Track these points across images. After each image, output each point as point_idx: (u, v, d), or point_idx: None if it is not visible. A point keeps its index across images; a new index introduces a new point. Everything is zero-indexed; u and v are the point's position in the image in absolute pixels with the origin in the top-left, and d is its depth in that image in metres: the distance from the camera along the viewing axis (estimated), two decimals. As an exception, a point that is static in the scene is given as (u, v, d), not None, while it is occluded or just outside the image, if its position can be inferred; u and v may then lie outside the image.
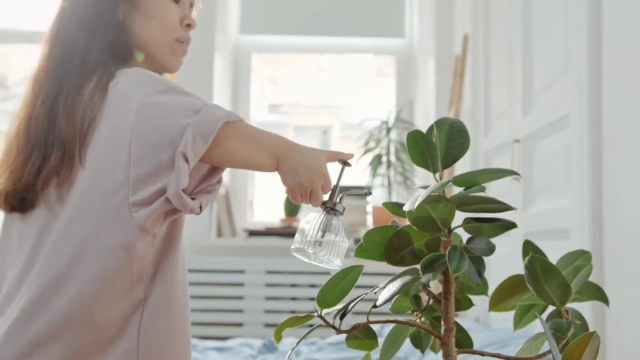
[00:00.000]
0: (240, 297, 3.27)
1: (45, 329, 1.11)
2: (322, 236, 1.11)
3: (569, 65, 2.01)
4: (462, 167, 3.10)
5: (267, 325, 3.27)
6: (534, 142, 2.36)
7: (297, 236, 1.13)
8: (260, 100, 7.97)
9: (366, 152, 3.64)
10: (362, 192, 1.20)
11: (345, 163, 1.19)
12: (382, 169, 3.63)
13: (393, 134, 3.66)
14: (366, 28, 3.92)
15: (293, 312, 3.27)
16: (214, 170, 1.18)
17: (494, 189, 2.77)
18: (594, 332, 1.05)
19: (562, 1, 2.09)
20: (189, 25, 1.33)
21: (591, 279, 1.73)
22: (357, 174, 3.69)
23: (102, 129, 1.13)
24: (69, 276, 1.12)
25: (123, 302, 1.14)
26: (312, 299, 3.22)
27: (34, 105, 1.19)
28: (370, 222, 3.63)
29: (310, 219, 1.13)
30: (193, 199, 1.11)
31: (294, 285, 3.29)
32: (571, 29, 1.98)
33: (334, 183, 1.20)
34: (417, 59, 3.85)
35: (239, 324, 3.27)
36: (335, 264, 1.13)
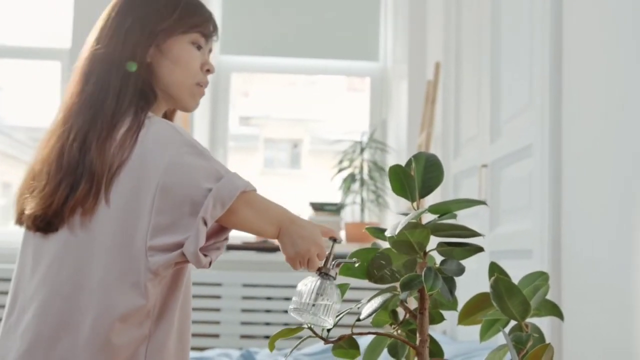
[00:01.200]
0: (217, 309, 3.38)
1: (70, 349, 1.21)
2: (317, 299, 1.23)
3: (532, 99, 2.16)
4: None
5: (243, 336, 3.38)
6: (500, 168, 2.51)
7: (294, 297, 1.25)
8: (231, 112, 8.05)
9: (340, 170, 3.79)
10: (352, 262, 1.33)
11: (334, 239, 1.32)
12: (355, 187, 3.78)
13: (366, 154, 3.82)
14: (342, 51, 4.08)
15: (268, 324, 3.40)
16: (223, 228, 1.30)
17: (463, 211, 2.93)
18: (549, 343, 1.21)
19: (528, 39, 2.25)
20: (208, 71, 1.44)
21: (549, 296, 1.90)
22: (331, 192, 3.84)
23: (130, 174, 1.23)
24: (88, 302, 1.22)
25: (134, 334, 1.25)
26: (286, 311, 3.36)
27: (66, 137, 1.28)
28: (343, 237, 3.77)
29: (307, 282, 1.26)
30: (205, 255, 1.23)
31: (269, 298, 3.41)
32: (535, 66, 2.14)
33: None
34: (391, 82, 4.01)
35: (216, 335, 3.38)
36: (329, 323, 1.25)
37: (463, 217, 2.90)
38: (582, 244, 1.84)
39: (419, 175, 1.34)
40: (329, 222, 3.76)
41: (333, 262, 1.29)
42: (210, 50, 1.48)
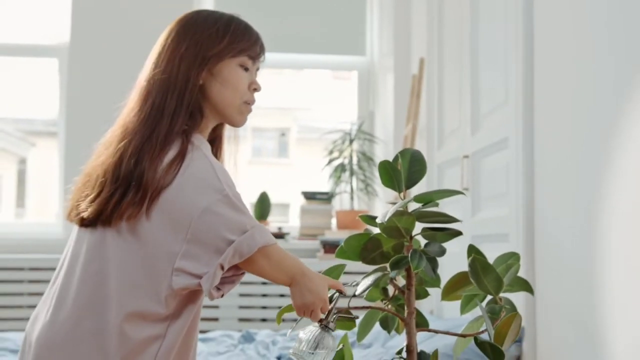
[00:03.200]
0: (216, 294, 3.57)
1: (94, 329, 1.39)
2: (315, 348, 1.40)
3: (508, 96, 2.35)
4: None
5: (241, 319, 3.58)
6: (480, 159, 2.69)
7: (296, 343, 1.43)
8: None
9: (330, 161, 3.98)
10: (352, 317, 1.49)
11: (341, 293, 1.48)
12: (345, 177, 3.96)
13: (355, 145, 4.00)
14: (330, 46, 4.26)
15: (264, 307, 3.59)
16: None
17: (447, 199, 3.13)
18: (517, 313, 1.40)
19: (503, 38, 2.44)
20: (255, 89, 1.58)
21: (524, 274, 2.11)
22: (319, 180, 4.02)
23: (169, 202, 1.38)
24: (115, 294, 1.39)
25: (150, 332, 1.41)
26: (282, 295, 3.56)
27: (124, 150, 1.42)
28: (334, 225, 3.96)
29: (308, 331, 1.43)
30: (218, 289, 1.40)
31: (264, 283, 3.60)
32: (510, 65, 2.33)
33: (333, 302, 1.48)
34: (377, 75, 4.19)
35: (215, 319, 3.57)
36: None
37: (447, 204, 3.10)
38: (552, 228, 2.03)
39: (404, 169, 1.52)
40: (321, 211, 3.94)
41: (334, 316, 1.45)
42: (257, 69, 1.60)
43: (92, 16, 3.89)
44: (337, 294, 1.49)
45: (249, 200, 4.02)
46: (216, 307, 3.57)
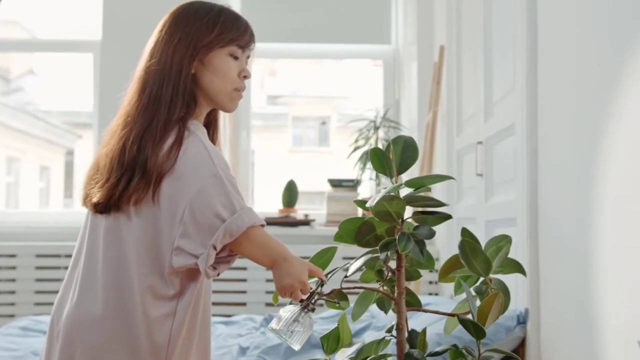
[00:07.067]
0: (244, 280, 3.68)
1: (119, 307, 1.51)
2: (292, 326, 1.48)
3: (516, 82, 2.39)
4: (440, 164, 3.50)
5: (268, 304, 3.67)
6: (492, 145, 2.72)
7: (275, 319, 1.51)
8: (259, 92, 8.19)
9: (356, 149, 4.03)
10: (333, 301, 1.56)
11: (321, 280, 1.55)
12: (370, 164, 4.02)
13: (380, 132, 4.05)
14: (357, 35, 4.32)
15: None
16: None
17: (464, 183, 3.17)
18: (498, 292, 1.45)
19: (511, 29, 2.47)
20: (245, 77, 1.65)
21: (528, 257, 2.14)
22: (348, 169, 4.08)
23: (170, 184, 1.48)
24: (135, 274, 1.50)
25: (164, 310, 1.52)
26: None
27: (126, 139, 1.53)
28: (360, 213, 4.02)
29: (288, 309, 1.51)
30: (215, 268, 1.50)
31: (291, 269, 3.69)
32: (517, 54, 2.36)
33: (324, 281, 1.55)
34: (402, 63, 4.23)
35: (243, 304, 3.68)
36: (296, 347, 1.51)
37: (465, 190, 3.14)
38: (554, 212, 2.07)
39: (397, 156, 1.59)
40: (348, 198, 4.01)
41: (315, 298, 1.52)
42: (247, 57, 1.68)
43: (122, 11, 4.00)
44: (318, 280, 1.56)
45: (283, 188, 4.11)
46: (244, 292, 3.67)
